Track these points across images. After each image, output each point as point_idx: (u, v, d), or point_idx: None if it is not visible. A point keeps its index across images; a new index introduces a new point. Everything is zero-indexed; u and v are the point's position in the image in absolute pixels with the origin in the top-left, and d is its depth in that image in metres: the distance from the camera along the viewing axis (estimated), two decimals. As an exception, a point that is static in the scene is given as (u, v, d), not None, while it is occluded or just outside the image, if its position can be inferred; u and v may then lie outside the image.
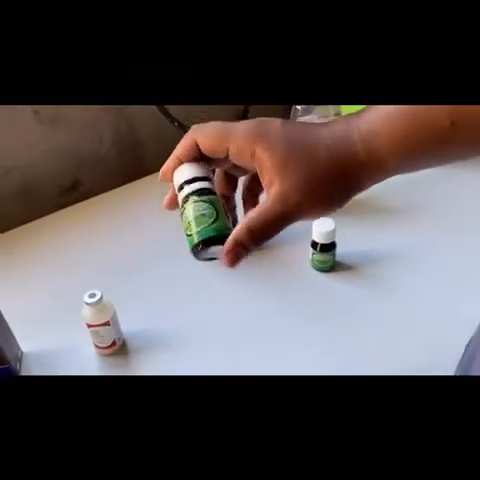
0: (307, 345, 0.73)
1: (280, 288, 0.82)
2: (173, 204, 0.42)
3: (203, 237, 0.38)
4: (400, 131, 0.33)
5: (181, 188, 0.41)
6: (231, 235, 0.38)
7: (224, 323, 0.76)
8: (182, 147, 0.40)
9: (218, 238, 0.38)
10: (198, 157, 0.40)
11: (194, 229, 0.38)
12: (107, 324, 0.69)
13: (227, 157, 0.39)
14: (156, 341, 0.74)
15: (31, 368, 0.72)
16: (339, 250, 0.82)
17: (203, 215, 0.39)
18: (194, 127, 0.40)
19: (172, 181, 0.42)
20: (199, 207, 0.39)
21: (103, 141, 1.05)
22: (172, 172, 0.42)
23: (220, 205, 0.40)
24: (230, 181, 0.44)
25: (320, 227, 0.79)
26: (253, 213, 0.37)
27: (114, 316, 0.70)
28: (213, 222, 0.39)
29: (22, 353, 0.74)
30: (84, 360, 0.73)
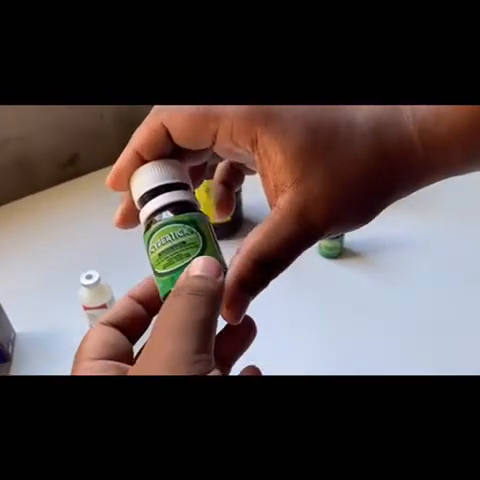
0: (313, 331, 0.70)
1: (286, 274, 0.79)
2: (130, 220, 0.29)
3: None
4: (470, 116, 0.24)
5: (143, 202, 0.27)
6: (230, 275, 0.25)
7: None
8: (143, 136, 0.27)
9: None
10: (167, 151, 0.27)
11: (168, 267, 0.26)
12: (104, 307, 0.66)
13: (209, 148, 0.27)
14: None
15: (24, 350, 0.69)
16: (347, 237, 0.79)
17: (182, 244, 0.26)
18: (157, 108, 0.27)
19: (128, 189, 0.28)
20: (175, 232, 0.26)
21: (104, 117, 1.02)
22: (128, 176, 0.28)
23: (207, 227, 0.27)
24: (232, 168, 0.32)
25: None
26: (256, 236, 0.25)
27: (112, 299, 0.67)
28: (201, 253, 0.26)
29: (15, 334, 0.71)
30: (79, 343, 0.70)
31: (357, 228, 0.27)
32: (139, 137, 0.27)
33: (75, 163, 1.02)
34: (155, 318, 0.25)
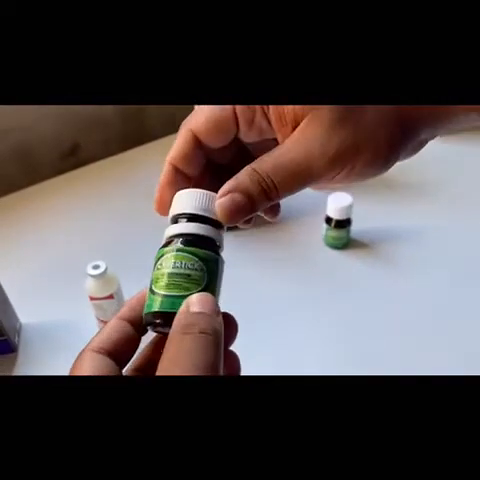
0: (319, 323, 0.70)
1: (291, 265, 0.78)
2: (168, 202, 0.29)
3: (174, 309, 0.25)
4: None
5: (175, 220, 0.29)
6: (234, 180, 0.26)
7: (234, 299, 0.73)
8: (176, 147, 0.29)
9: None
10: (200, 159, 0.29)
11: (164, 290, 0.26)
12: (111, 297, 0.66)
13: (234, 137, 0.28)
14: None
15: (30, 341, 0.69)
16: (354, 227, 0.78)
17: (186, 277, 0.26)
18: (185, 120, 0.29)
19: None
20: (186, 262, 0.26)
21: (104, 107, 1.01)
22: (170, 197, 0.29)
23: (218, 271, 0.27)
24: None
25: (336, 202, 0.75)
26: (269, 156, 0.26)
27: (118, 289, 0.67)
28: (202, 291, 0.26)
29: (21, 325, 0.70)
30: (85, 334, 0.69)
31: (380, 170, 0.27)
32: (173, 150, 0.29)
33: (76, 153, 1.01)
34: (162, 351, 0.24)
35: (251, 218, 0.31)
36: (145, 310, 0.27)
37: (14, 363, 0.67)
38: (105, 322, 0.68)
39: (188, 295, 0.25)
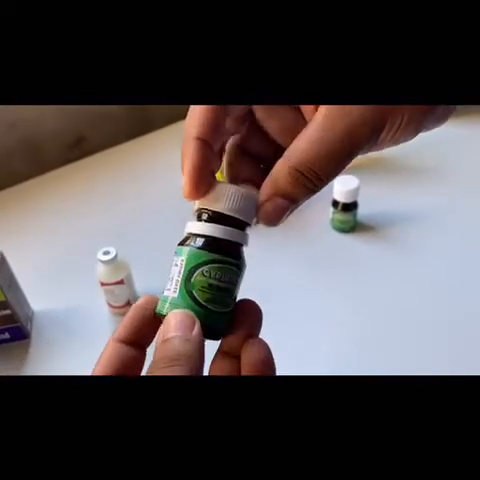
0: (326, 306, 0.71)
1: (299, 248, 0.79)
2: (204, 185, 0.26)
3: (218, 325, 0.26)
4: None
5: (202, 217, 0.26)
6: (273, 181, 0.25)
7: (242, 283, 0.73)
8: (201, 115, 0.25)
9: (222, 333, 0.26)
10: (224, 122, 0.26)
11: (209, 304, 0.25)
12: (121, 282, 0.67)
13: None
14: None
15: (42, 327, 0.70)
16: (361, 210, 0.79)
17: (227, 292, 0.26)
18: None
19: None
20: (232, 276, 0.26)
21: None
22: (209, 177, 0.26)
23: (239, 286, 0.27)
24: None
25: (342, 185, 0.75)
26: (304, 142, 0.24)
27: (129, 275, 0.68)
28: (231, 311, 0.26)
29: (33, 312, 0.71)
30: (97, 320, 0.70)
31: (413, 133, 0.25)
32: (197, 124, 0.25)
33: (82, 145, 1.02)
34: None
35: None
36: (163, 309, 0.26)
37: (27, 349, 0.68)
38: (116, 308, 0.69)
39: (229, 311, 0.26)
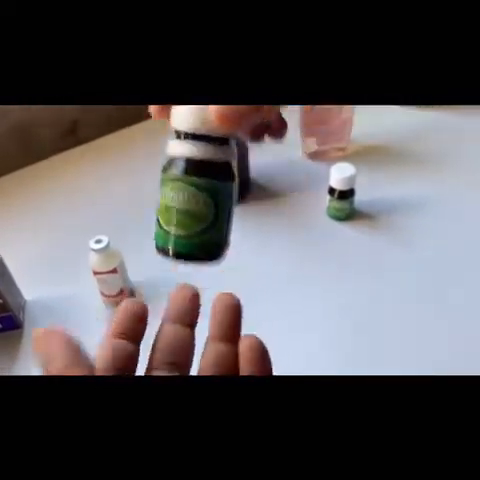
0: (322, 294, 0.70)
1: (294, 236, 0.78)
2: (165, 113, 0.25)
3: (182, 250, 0.24)
4: None
5: (181, 136, 0.24)
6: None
7: (237, 271, 0.73)
8: None
9: (204, 256, 0.25)
10: None
11: (174, 228, 0.24)
12: (114, 271, 0.66)
13: None
14: (165, 291, 0.71)
15: (35, 317, 0.69)
16: (357, 198, 0.78)
17: (194, 213, 0.24)
18: None
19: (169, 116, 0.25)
20: (189, 196, 0.23)
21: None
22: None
23: (228, 199, 0.25)
24: None
25: (339, 172, 0.74)
26: None
27: (121, 264, 0.67)
28: (204, 230, 0.24)
29: (25, 301, 0.70)
30: (90, 309, 0.70)
31: None
32: None
33: (75, 132, 1.01)
34: None
35: (263, 132, 0.28)
36: (159, 243, 0.25)
37: (20, 339, 0.67)
38: (109, 297, 0.68)
39: (194, 234, 0.24)
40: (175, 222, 0.24)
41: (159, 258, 0.77)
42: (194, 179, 0.23)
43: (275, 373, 0.25)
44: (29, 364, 0.65)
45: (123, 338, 0.25)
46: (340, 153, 0.89)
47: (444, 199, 0.82)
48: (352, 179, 0.74)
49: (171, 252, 0.25)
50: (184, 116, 0.24)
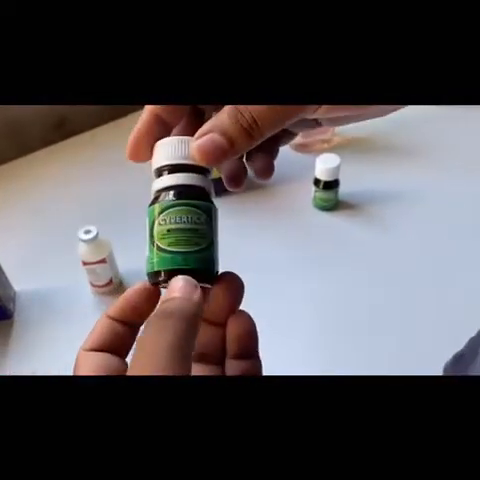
0: (308, 284, 0.71)
1: (280, 227, 0.79)
2: (142, 153, 0.28)
3: (193, 265, 0.25)
4: None
5: (162, 173, 0.27)
6: (213, 119, 0.25)
7: (224, 261, 0.74)
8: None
9: (202, 274, 0.26)
10: (187, 110, 0.28)
11: (173, 246, 0.25)
12: (103, 261, 0.67)
13: None
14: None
15: (25, 308, 0.70)
16: (342, 189, 0.79)
17: (195, 232, 0.25)
18: None
19: (149, 158, 0.28)
20: (192, 216, 0.25)
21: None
22: (149, 146, 0.27)
23: (217, 219, 0.27)
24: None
25: (324, 163, 0.75)
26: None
27: (111, 254, 0.68)
28: (208, 246, 0.26)
29: (15, 292, 0.71)
30: (79, 299, 0.71)
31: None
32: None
33: (65, 125, 1.01)
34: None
35: (241, 178, 0.30)
36: (151, 268, 0.26)
37: (10, 330, 0.68)
38: (98, 286, 0.69)
39: (200, 250, 0.26)
40: (183, 241, 0.25)
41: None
42: (194, 202, 0.26)
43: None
44: (20, 354, 0.66)
45: (120, 321, 0.27)
46: (325, 145, 0.91)
47: (426, 189, 0.83)
48: (337, 169, 0.76)
49: (177, 270, 0.25)
50: (169, 153, 0.26)
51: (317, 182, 0.78)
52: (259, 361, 0.27)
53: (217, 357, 0.27)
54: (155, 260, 0.26)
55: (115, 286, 0.71)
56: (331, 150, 0.82)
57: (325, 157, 0.76)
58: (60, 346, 0.65)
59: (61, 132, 1.00)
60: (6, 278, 0.69)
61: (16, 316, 0.69)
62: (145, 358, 0.22)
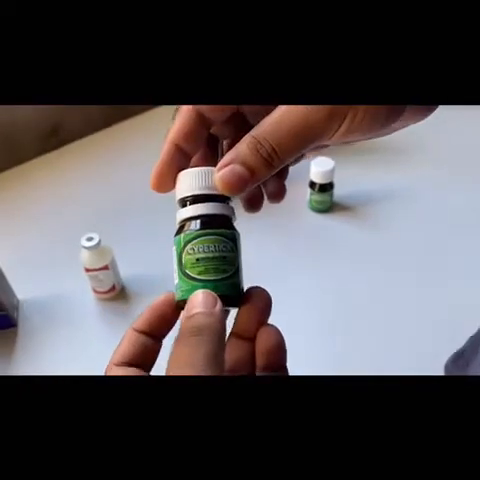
0: (304, 285, 0.73)
1: (276, 229, 0.81)
2: (166, 183, 0.29)
3: (225, 291, 0.27)
4: None
5: (188, 202, 0.28)
6: (233, 150, 0.26)
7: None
8: (178, 126, 0.28)
9: (232, 299, 0.27)
10: (204, 135, 0.28)
11: (203, 275, 0.27)
12: (106, 268, 0.68)
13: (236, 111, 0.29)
14: (156, 285, 0.73)
15: (29, 315, 0.71)
16: (337, 191, 0.81)
17: (223, 259, 0.27)
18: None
19: (173, 187, 0.29)
20: (219, 245, 0.27)
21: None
22: (172, 175, 0.28)
23: (240, 245, 0.28)
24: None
25: (319, 166, 0.77)
26: (267, 120, 0.25)
27: (113, 260, 0.69)
28: (235, 272, 0.27)
29: (18, 301, 0.72)
30: (83, 306, 0.72)
31: (381, 123, 0.27)
32: (174, 129, 0.28)
33: (58, 133, 1.01)
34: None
35: (260, 202, 0.32)
36: (183, 296, 0.27)
37: (15, 337, 0.69)
38: (101, 293, 0.70)
39: (228, 276, 0.27)
40: (212, 270, 0.27)
41: (148, 254, 0.79)
42: (220, 231, 0.27)
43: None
44: (24, 362, 0.66)
45: (145, 333, 0.27)
46: (319, 148, 0.92)
47: (419, 190, 0.86)
48: (331, 172, 0.77)
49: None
50: (193, 183, 0.27)
51: (312, 185, 0.79)
52: (287, 373, 0.28)
53: (247, 371, 0.28)
54: (184, 288, 0.27)
55: (118, 292, 0.72)
56: (325, 153, 0.84)
57: (320, 160, 0.78)
58: (65, 353, 0.66)
59: (55, 140, 1.00)
60: (9, 287, 0.70)
61: (20, 324, 0.70)
62: (180, 370, 0.23)
